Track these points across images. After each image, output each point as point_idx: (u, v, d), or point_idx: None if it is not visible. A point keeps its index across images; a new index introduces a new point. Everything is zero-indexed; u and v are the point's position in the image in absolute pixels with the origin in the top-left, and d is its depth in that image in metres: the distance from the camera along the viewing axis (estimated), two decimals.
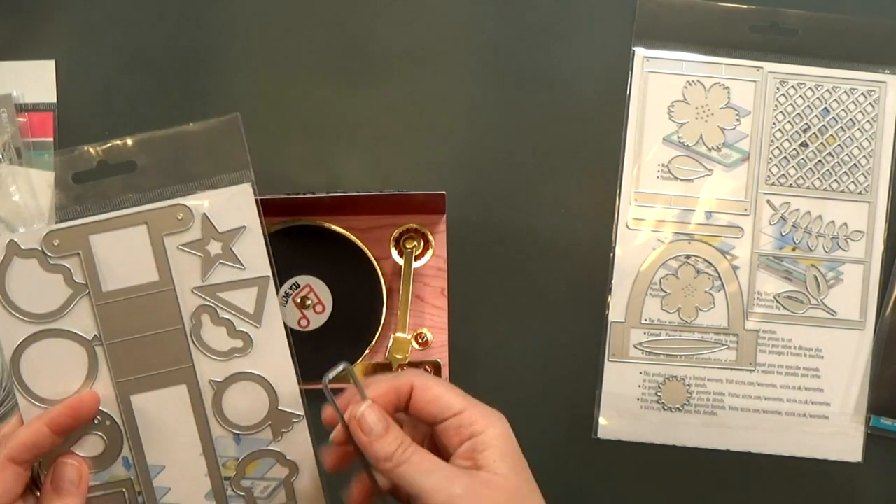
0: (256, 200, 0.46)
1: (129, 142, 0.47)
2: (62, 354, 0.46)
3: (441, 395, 0.45)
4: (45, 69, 0.60)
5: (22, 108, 0.59)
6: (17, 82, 0.59)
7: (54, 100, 0.60)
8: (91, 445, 0.46)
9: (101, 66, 0.60)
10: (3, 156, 0.58)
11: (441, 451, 0.46)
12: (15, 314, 0.45)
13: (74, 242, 0.46)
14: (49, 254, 0.46)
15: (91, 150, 0.47)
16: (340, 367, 0.45)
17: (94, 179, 0.46)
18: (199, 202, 0.46)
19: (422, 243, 0.58)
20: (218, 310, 0.47)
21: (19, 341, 0.45)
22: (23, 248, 0.45)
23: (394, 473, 0.43)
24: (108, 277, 0.46)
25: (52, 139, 0.59)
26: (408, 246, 0.57)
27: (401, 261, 0.57)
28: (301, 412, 0.47)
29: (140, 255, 0.46)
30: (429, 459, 0.43)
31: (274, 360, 0.47)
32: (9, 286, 0.45)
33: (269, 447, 0.47)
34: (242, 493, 0.48)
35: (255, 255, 0.47)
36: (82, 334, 0.46)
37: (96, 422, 0.46)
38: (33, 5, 0.60)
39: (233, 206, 0.46)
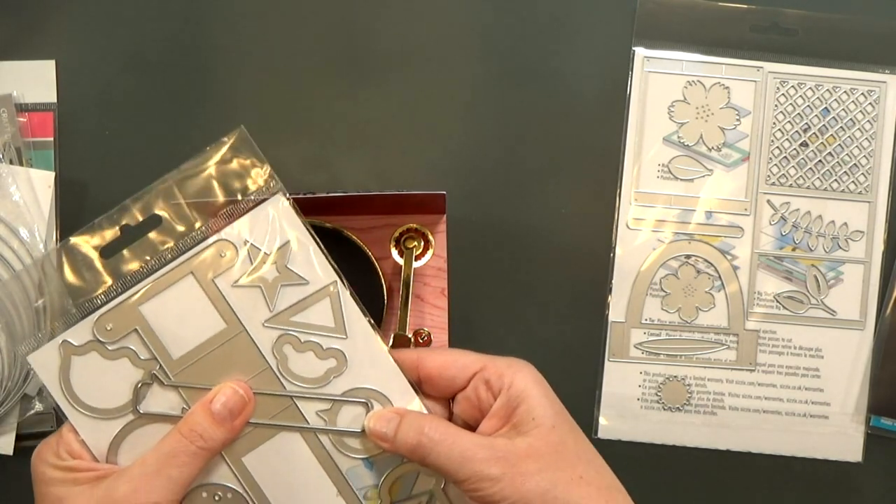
0: (294, 206, 0.43)
1: (144, 197, 0.44)
2: (157, 437, 0.41)
3: (454, 359, 0.42)
4: (45, 69, 0.60)
5: (22, 108, 0.59)
6: (17, 82, 0.59)
7: (54, 100, 0.60)
8: None
9: (101, 66, 0.60)
10: (3, 156, 0.58)
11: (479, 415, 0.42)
12: (94, 416, 0.42)
13: (127, 320, 0.42)
14: (105, 340, 0.42)
15: (107, 220, 0.43)
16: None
17: (124, 247, 0.43)
18: (237, 231, 0.43)
19: (422, 243, 0.58)
20: (298, 335, 0.43)
21: (109, 442, 0.42)
22: (77, 344, 0.42)
23: (427, 464, 0.40)
24: (175, 344, 0.42)
25: (52, 139, 0.59)
26: (408, 246, 0.57)
27: (401, 261, 0.57)
28: (423, 408, 0.43)
29: (198, 308, 0.42)
30: (460, 443, 0.39)
31: (374, 366, 0.43)
32: (77, 390, 0.42)
33: (405, 459, 0.43)
34: None
35: (312, 264, 0.43)
36: (170, 412, 0.42)
37: (217, 498, 0.42)
38: (33, 5, 0.60)
39: (272, 222, 0.43)
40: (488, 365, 0.42)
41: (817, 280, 0.59)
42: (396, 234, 0.58)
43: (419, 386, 0.43)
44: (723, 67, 0.60)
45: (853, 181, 0.60)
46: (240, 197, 0.43)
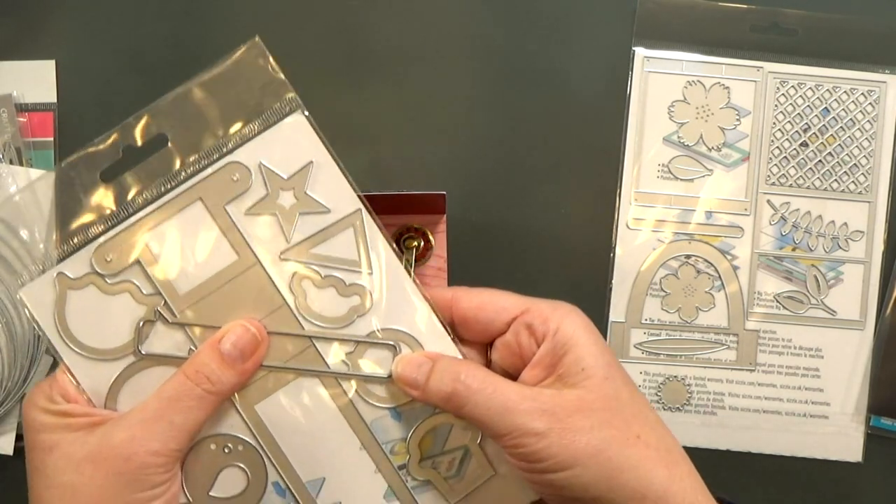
0: (314, 127, 0.39)
1: (148, 114, 0.39)
2: (161, 381, 0.37)
3: (493, 300, 0.38)
4: (45, 69, 0.60)
5: (22, 108, 0.59)
6: (17, 82, 0.59)
7: (54, 100, 0.60)
8: (231, 483, 0.38)
9: (101, 66, 0.60)
10: (3, 156, 0.58)
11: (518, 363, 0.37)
12: (91, 357, 0.38)
13: (129, 250, 0.38)
14: (105, 273, 0.38)
15: (108, 140, 0.39)
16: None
17: (126, 170, 0.39)
18: (250, 153, 0.38)
19: (422, 243, 0.58)
20: (318, 269, 0.38)
21: (108, 385, 0.38)
22: (73, 277, 0.38)
23: (462, 415, 0.36)
24: (181, 277, 0.38)
25: (52, 139, 0.59)
26: (408, 246, 0.57)
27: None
28: (458, 354, 0.38)
29: (207, 238, 0.38)
30: (501, 392, 0.35)
31: (403, 305, 0.38)
32: (74, 328, 0.38)
33: (438, 410, 0.38)
34: (427, 479, 0.38)
35: (335, 190, 0.39)
36: (175, 354, 0.38)
37: (227, 450, 0.38)
38: (33, 5, 0.60)
39: (289, 143, 0.39)
40: (531, 307, 0.38)
41: (817, 280, 0.59)
42: (396, 234, 0.58)
43: (452, 329, 0.39)
44: (723, 67, 0.60)
45: (853, 181, 0.60)
46: (254, 115, 0.39)
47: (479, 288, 0.39)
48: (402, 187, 0.59)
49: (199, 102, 0.40)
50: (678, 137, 0.60)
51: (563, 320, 0.37)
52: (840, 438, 0.59)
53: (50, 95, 0.60)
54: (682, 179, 0.60)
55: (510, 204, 0.60)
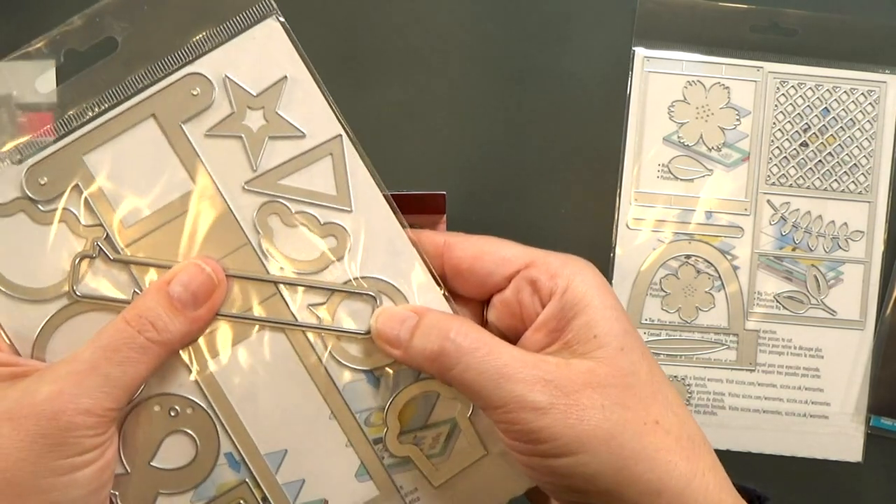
0: (290, 37, 0.35)
1: (95, 14, 0.34)
2: (99, 328, 0.32)
3: (492, 249, 0.33)
4: (46, 69, 0.60)
5: (22, 108, 0.59)
6: (17, 82, 0.59)
7: (55, 100, 0.60)
8: (177, 452, 0.33)
9: None
10: (2, 156, 0.58)
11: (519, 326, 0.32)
12: (18, 297, 0.33)
13: (67, 172, 0.33)
14: (38, 198, 0.33)
15: (45, 41, 0.34)
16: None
17: (67, 79, 0.35)
18: (214, 63, 0.33)
19: None
20: (287, 204, 0.33)
21: (37, 331, 0.33)
22: (1, 202, 0.33)
23: (450, 379, 0.30)
24: (127, 207, 0.33)
25: (52, 139, 0.59)
26: None
27: None
28: (448, 310, 0.33)
29: (159, 162, 0.33)
30: (497, 356, 0.30)
31: (387, 250, 0.34)
32: None
33: (423, 376, 0.33)
34: (407, 456, 0.33)
35: (313, 111, 0.34)
36: (118, 296, 0.33)
37: (173, 413, 0.33)
38: (33, 5, 0.60)
39: (261, 54, 0.34)
40: (537, 260, 0.33)
41: (817, 280, 0.59)
42: None
43: (444, 281, 0.35)
44: (723, 67, 0.60)
45: (853, 181, 0.60)
46: (221, 18, 0.34)
47: (477, 235, 0.34)
48: (402, 187, 0.59)
49: (157, 1, 0.34)
50: (678, 137, 0.60)
51: (573, 277, 0.32)
52: (840, 438, 0.59)
53: (50, 96, 0.60)
54: (682, 179, 0.60)
55: (510, 204, 0.60)
